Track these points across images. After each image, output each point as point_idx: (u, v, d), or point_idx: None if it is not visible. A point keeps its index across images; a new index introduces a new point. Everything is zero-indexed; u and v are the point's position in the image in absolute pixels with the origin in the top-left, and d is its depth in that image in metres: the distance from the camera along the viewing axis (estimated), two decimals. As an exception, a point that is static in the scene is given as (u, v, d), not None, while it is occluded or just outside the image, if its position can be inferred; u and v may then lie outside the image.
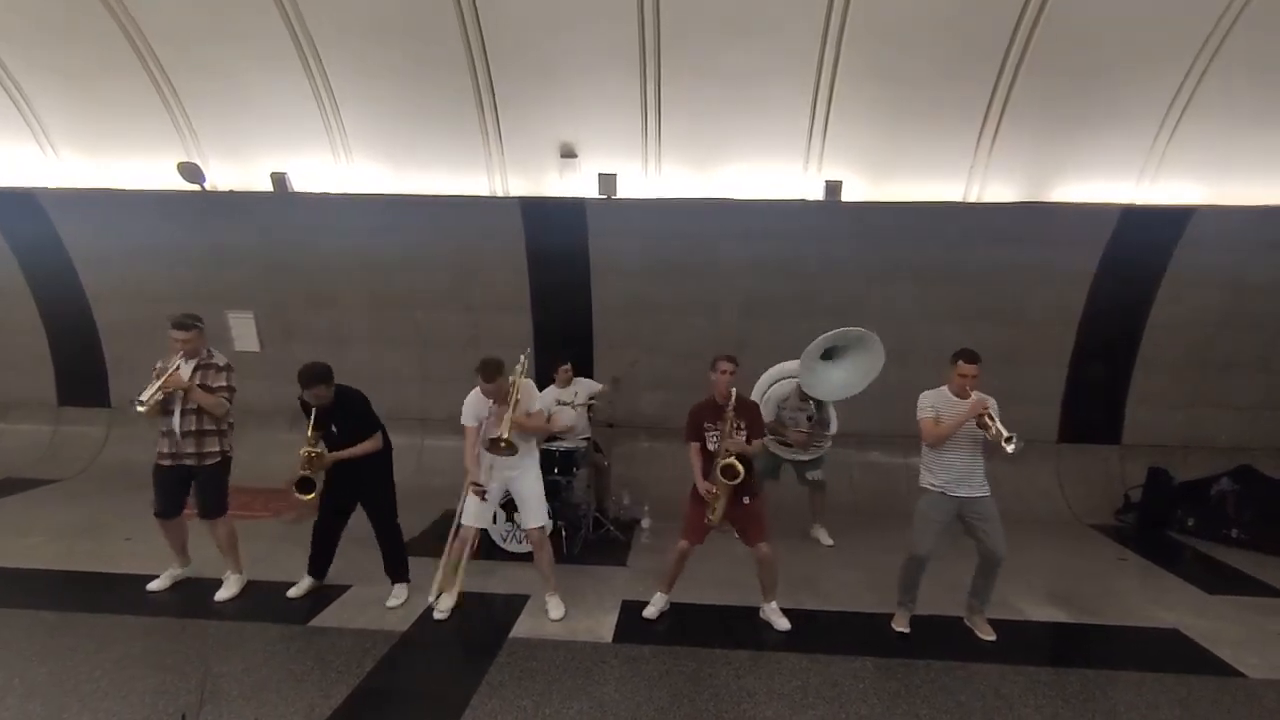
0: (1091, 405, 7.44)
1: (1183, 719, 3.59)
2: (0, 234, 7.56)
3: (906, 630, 4.52)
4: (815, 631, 4.47)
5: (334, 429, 4.46)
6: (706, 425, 4.32)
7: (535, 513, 4.54)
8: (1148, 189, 6.52)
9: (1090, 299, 7.00)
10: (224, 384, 4.58)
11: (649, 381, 7.51)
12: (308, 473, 4.34)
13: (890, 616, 4.65)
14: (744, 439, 4.25)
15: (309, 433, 4.37)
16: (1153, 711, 3.65)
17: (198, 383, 4.50)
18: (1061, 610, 4.91)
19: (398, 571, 4.81)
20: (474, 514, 4.53)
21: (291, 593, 4.73)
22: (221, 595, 4.73)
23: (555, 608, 4.57)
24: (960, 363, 4.20)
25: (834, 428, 5.84)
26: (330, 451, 4.47)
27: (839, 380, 5.59)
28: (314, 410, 4.37)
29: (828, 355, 5.60)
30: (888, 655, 4.15)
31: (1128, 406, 7.45)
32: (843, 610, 4.83)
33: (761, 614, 4.58)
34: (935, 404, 4.29)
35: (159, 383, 4.38)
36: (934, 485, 4.32)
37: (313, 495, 4.38)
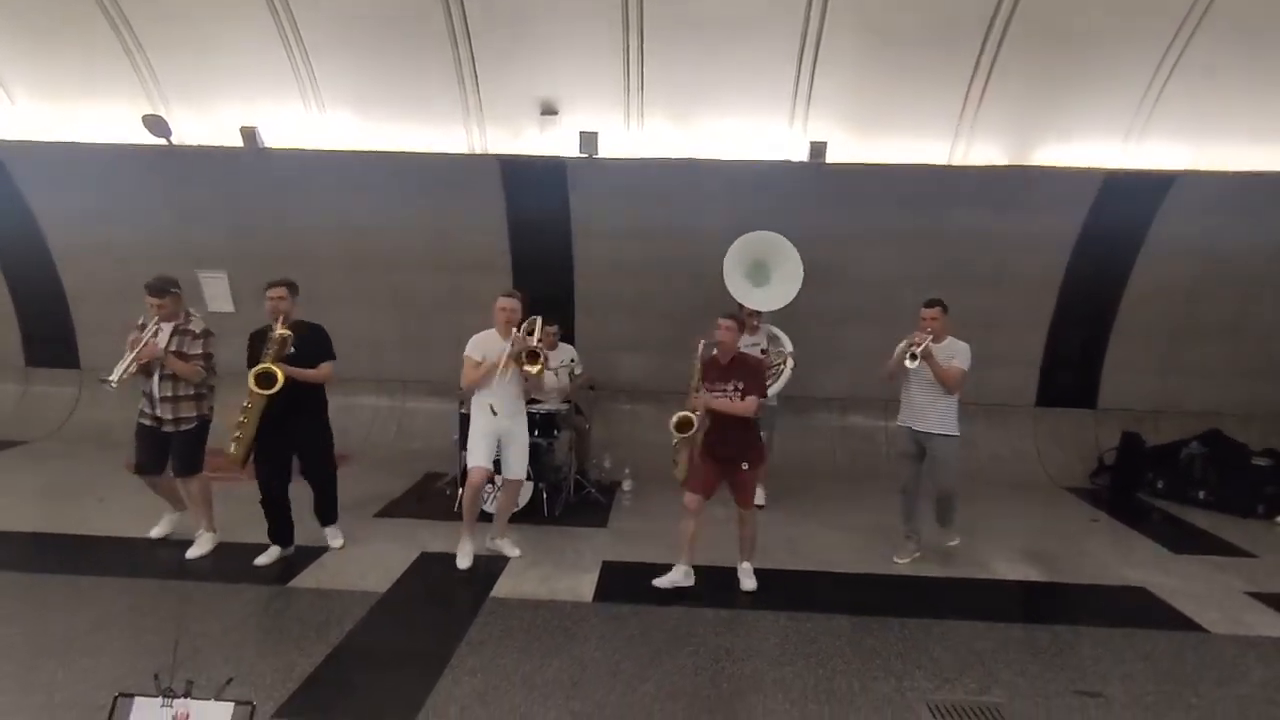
0: (1069, 370, 7.53)
1: (1146, 672, 3.69)
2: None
3: (905, 561, 4.94)
4: (793, 590, 4.53)
5: (292, 349, 4.32)
6: (709, 383, 4.30)
7: (524, 463, 4.75)
8: (1134, 151, 6.50)
9: (1072, 264, 7.03)
10: (200, 352, 4.53)
11: (630, 344, 7.48)
12: (270, 365, 4.12)
13: (867, 576, 4.78)
14: (735, 391, 4.18)
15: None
16: (1118, 665, 3.76)
17: (174, 349, 4.44)
18: (1034, 569, 5.01)
19: (328, 514, 4.85)
20: (484, 452, 4.54)
21: (259, 560, 4.58)
22: (193, 553, 4.69)
23: (510, 548, 4.85)
24: (922, 308, 4.72)
25: (789, 345, 5.88)
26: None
27: (772, 294, 5.87)
28: (261, 336, 4.35)
29: (757, 280, 5.89)
30: (864, 613, 4.21)
31: (1104, 371, 7.55)
32: (820, 570, 4.90)
33: (738, 571, 4.61)
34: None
35: (132, 355, 4.27)
36: (901, 421, 4.89)
37: (275, 389, 4.14)
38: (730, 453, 4.26)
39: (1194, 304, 7.16)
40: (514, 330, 4.50)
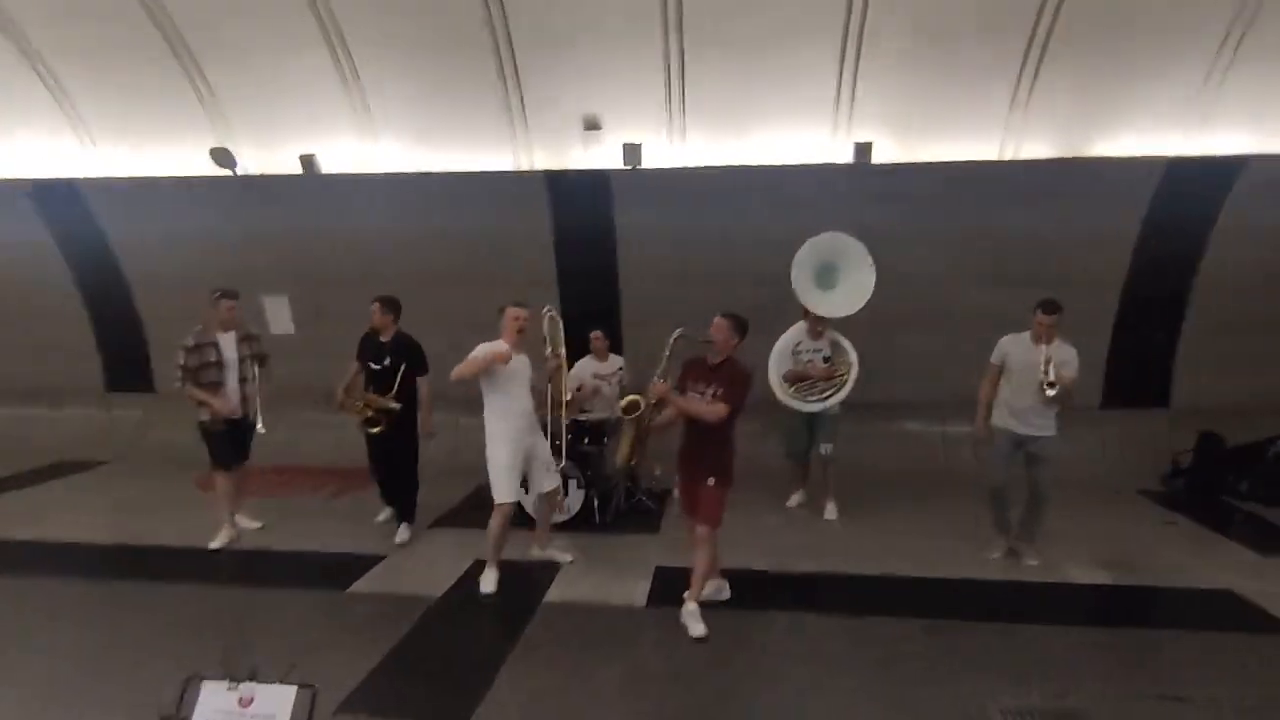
0: (1137, 369, 7.18)
1: (1234, 677, 3.45)
2: (45, 226, 7.73)
3: (997, 556, 4.91)
4: (856, 595, 4.42)
5: (388, 362, 5.08)
6: (689, 384, 3.98)
7: (554, 475, 4.87)
8: (1196, 140, 6.23)
9: (1135, 258, 6.73)
10: (266, 350, 5.29)
11: (682, 353, 7.43)
12: (373, 415, 5.12)
13: (933, 580, 4.65)
14: (711, 396, 3.80)
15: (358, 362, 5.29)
16: (1204, 670, 3.53)
17: (246, 354, 5.10)
18: (1109, 573, 4.75)
19: (405, 515, 5.39)
20: (511, 487, 4.49)
21: (379, 518, 5.61)
22: (251, 526, 5.48)
23: (561, 554, 4.93)
24: (1039, 312, 4.50)
25: (854, 355, 5.65)
26: (374, 387, 5.16)
27: (839, 300, 5.61)
28: (371, 340, 5.20)
29: (825, 284, 5.64)
30: (934, 617, 4.06)
31: (1175, 369, 7.18)
32: (883, 574, 4.74)
33: (681, 618, 3.91)
34: (1007, 349, 4.69)
35: (258, 405, 5.10)
36: (1000, 424, 4.73)
37: (380, 429, 5.13)
38: (693, 469, 3.93)
39: (1271, 295, 6.75)
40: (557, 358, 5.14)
